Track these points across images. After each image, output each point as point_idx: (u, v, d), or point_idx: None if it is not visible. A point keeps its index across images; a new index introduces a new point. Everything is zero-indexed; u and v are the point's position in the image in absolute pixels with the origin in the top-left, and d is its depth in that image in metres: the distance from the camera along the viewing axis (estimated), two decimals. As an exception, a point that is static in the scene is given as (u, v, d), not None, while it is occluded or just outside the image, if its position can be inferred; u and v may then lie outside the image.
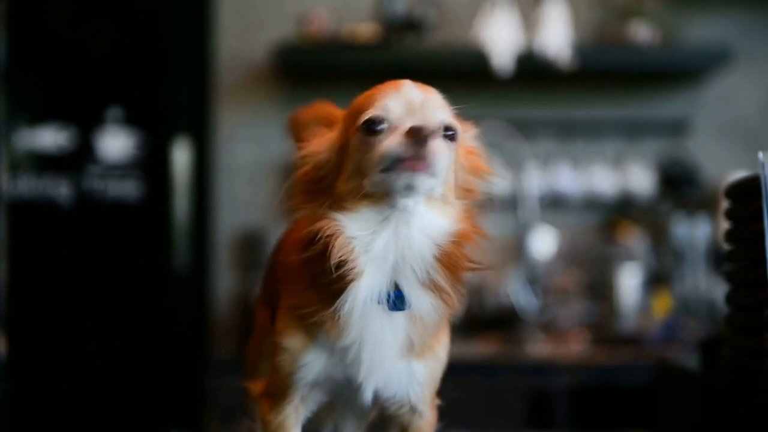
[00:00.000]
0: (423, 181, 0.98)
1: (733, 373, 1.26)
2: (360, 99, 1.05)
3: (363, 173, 1.01)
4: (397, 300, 1.02)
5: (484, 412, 2.82)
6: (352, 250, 1.00)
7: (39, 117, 3.24)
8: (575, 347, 3.11)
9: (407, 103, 1.01)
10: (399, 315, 1.03)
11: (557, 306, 3.32)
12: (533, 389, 2.87)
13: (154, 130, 3.27)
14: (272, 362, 1.10)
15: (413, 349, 1.05)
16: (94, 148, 3.24)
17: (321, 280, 1.01)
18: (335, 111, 1.10)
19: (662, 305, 3.30)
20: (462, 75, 3.52)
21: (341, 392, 1.09)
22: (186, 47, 3.41)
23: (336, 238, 1.00)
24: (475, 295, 3.34)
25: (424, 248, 1.01)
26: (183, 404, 3.25)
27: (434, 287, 1.02)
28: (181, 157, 3.30)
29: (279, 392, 1.09)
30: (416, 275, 1.01)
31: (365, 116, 1.01)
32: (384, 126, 1.00)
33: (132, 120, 3.24)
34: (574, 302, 3.35)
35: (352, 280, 1.00)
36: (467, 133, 1.11)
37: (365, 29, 3.42)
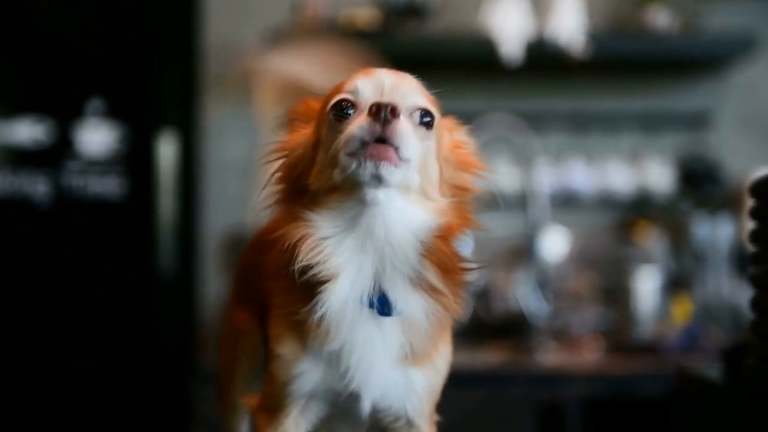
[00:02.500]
0: (390, 172, 0.97)
1: (758, 383, 1.25)
2: (332, 89, 1.06)
3: (333, 163, 1.01)
4: (381, 304, 1.01)
5: (491, 425, 2.82)
6: (320, 253, 1.00)
7: (14, 109, 3.24)
8: (589, 355, 3.12)
9: (378, 86, 1.02)
10: (389, 319, 1.02)
11: (569, 311, 3.32)
12: (544, 400, 2.87)
13: (138, 124, 3.27)
14: (267, 371, 1.10)
15: (409, 356, 1.05)
16: (74, 142, 3.24)
17: (298, 283, 1.02)
18: (315, 105, 1.11)
19: (682, 311, 3.30)
20: (467, 64, 3.52)
21: (339, 404, 1.08)
22: (172, 35, 3.41)
23: (303, 242, 1.00)
24: (482, 299, 3.34)
25: (405, 245, 1.01)
26: (168, 416, 3.25)
27: (427, 288, 1.02)
28: (166, 151, 3.30)
29: (276, 404, 1.09)
30: (402, 275, 1.01)
31: (333, 100, 1.01)
32: (352, 110, 1.00)
33: (114, 112, 3.24)
34: (587, 307, 3.35)
35: (324, 283, 1.00)
36: (455, 128, 1.11)
37: (364, 15, 3.42)
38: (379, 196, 0.99)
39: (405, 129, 0.97)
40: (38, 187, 3.22)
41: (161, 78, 3.35)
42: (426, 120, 1.02)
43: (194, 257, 3.48)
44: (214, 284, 3.51)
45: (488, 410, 2.82)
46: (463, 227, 1.04)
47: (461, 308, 1.05)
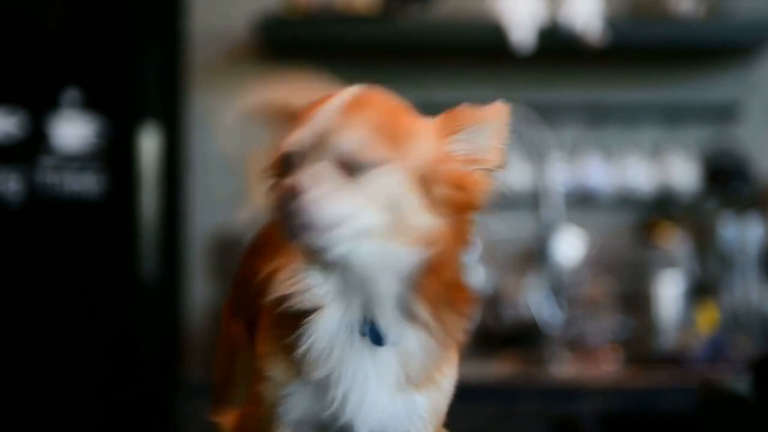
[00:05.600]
0: (329, 241, 0.98)
1: (790, 397, 1.26)
2: (300, 113, 1.06)
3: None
4: (373, 334, 1.03)
5: (500, 443, 2.83)
6: (298, 282, 1.02)
7: (-16, 100, 3.25)
8: (606, 367, 3.12)
9: (315, 133, 1.01)
10: (384, 348, 1.04)
11: (585, 320, 3.32)
12: (558, 416, 2.88)
13: (118, 116, 3.28)
14: (252, 392, 1.11)
15: (410, 380, 1.06)
16: (48, 136, 3.25)
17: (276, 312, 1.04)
18: (294, 107, 1.11)
19: (707, 319, 3.30)
20: (475, 51, 3.53)
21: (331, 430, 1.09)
22: (155, 20, 3.42)
23: (281, 272, 1.03)
24: (491, 306, 3.35)
25: (389, 286, 1.02)
26: (151, 434, 3.26)
27: (421, 323, 1.03)
28: (148, 146, 3.31)
29: (261, 427, 1.09)
30: (392, 310, 1.02)
31: (280, 151, 1.03)
32: (295, 162, 1.01)
33: (92, 104, 3.25)
34: (604, 315, 3.35)
35: (310, 312, 1.02)
36: (442, 134, 1.07)
37: (363, -2, 3.43)
38: (337, 251, 1.00)
39: (317, 201, 0.97)
40: (10, 184, 3.23)
41: (143, 66, 3.36)
42: (354, 168, 1.00)
43: (179, 261, 3.48)
44: (200, 290, 3.52)
45: (498, 426, 2.83)
46: (455, 251, 1.04)
47: (462, 337, 1.06)
